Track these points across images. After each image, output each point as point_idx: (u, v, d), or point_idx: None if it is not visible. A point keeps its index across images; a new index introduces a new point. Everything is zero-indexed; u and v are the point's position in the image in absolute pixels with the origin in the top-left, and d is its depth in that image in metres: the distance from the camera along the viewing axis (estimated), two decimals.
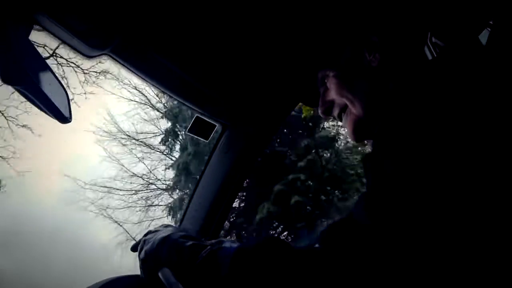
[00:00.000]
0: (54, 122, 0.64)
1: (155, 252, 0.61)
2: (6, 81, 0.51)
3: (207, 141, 1.10)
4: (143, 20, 0.70)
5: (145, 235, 0.68)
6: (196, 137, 1.05)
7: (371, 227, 0.44)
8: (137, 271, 0.72)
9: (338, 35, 0.71)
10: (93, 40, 0.64)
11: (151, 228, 0.75)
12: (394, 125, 0.52)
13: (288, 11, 0.78)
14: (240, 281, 0.50)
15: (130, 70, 0.78)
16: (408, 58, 0.65)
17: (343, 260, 0.44)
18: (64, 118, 0.64)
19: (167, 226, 0.70)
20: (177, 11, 0.72)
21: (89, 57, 0.68)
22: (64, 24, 0.58)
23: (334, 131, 8.50)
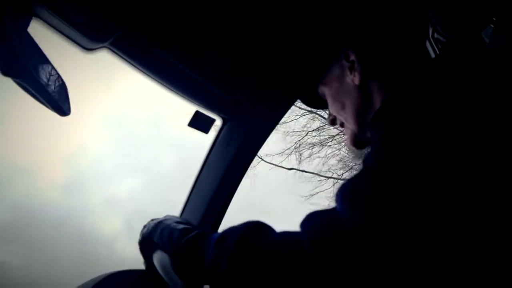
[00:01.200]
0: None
1: (149, 235, 0.66)
2: (6, 74, 0.51)
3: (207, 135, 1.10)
4: (143, 13, 0.69)
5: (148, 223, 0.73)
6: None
7: (369, 228, 0.41)
8: (140, 265, 0.73)
9: (318, 49, 0.72)
10: (93, 32, 0.63)
11: None
12: (389, 126, 0.51)
13: (282, 13, 0.79)
14: (222, 273, 0.49)
15: (130, 63, 0.78)
16: (392, 69, 0.63)
17: (339, 269, 0.40)
18: (62, 111, 0.64)
19: (169, 216, 0.73)
20: (178, 4, 0.71)
21: (89, 50, 0.67)
22: (64, 16, 0.57)
23: None
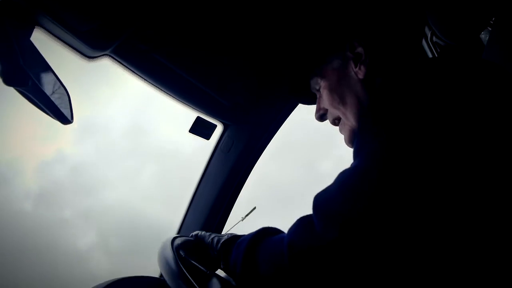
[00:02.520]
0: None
1: (203, 238, 0.71)
2: (9, 83, 0.51)
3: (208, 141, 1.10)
4: (144, 21, 0.69)
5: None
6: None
7: (339, 243, 0.42)
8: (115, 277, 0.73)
9: (323, 42, 0.68)
10: (95, 41, 0.63)
11: None
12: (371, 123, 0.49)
13: (280, 16, 0.79)
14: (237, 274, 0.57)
15: (131, 70, 0.78)
16: (397, 63, 0.62)
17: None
18: (65, 119, 0.64)
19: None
20: (178, 12, 0.71)
21: (91, 58, 0.67)
22: (66, 26, 0.57)
23: None
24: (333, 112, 0.67)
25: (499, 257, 0.40)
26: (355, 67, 0.62)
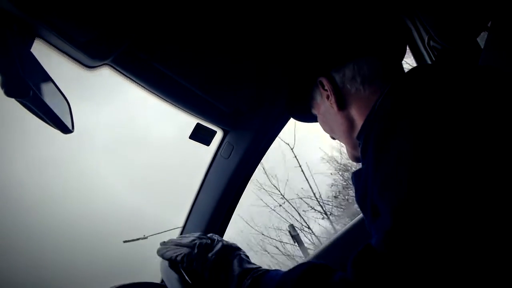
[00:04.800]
0: None
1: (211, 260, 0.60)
2: (10, 94, 0.51)
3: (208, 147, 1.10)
4: (143, 30, 0.70)
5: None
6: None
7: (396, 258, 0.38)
8: None
9: (296, 77, 0.73)
10: (95, 51, 0.64)
11: None
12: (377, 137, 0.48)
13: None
14: None
15: (131, 79, 0.79)
16: (365, 95, 0.62)
17: None
18: (66, 128, 0.64)
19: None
20: (178, 21, 0.72)
21: (90, 67, 0.68)
22: (66, 36, 0.58)
23: None
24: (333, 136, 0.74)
25: None
26: (328, 102, 0.66)
